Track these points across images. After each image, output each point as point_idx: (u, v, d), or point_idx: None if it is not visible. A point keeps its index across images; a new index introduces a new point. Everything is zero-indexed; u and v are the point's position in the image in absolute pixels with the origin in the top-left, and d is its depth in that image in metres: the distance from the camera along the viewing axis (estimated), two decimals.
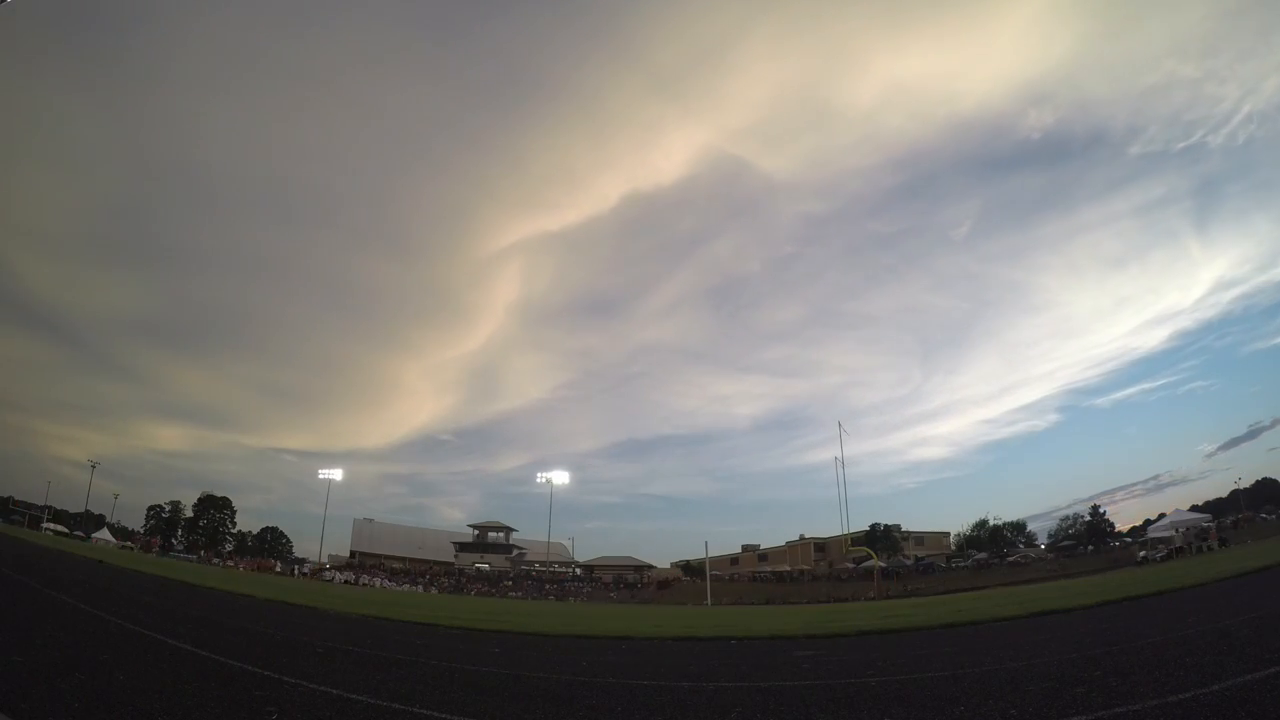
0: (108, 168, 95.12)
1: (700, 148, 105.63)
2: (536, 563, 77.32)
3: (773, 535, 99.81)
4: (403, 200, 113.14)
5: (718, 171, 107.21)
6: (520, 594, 56.54)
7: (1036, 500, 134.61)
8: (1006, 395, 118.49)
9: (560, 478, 68.99)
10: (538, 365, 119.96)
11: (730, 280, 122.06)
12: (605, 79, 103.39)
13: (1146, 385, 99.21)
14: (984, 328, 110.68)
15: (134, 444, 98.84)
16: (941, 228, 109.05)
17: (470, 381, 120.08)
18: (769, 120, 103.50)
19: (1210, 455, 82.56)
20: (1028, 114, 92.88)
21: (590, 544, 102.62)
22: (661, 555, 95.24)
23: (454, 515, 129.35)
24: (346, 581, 52.07)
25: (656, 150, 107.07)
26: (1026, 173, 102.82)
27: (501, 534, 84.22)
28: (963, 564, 54.29)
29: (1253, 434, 77.63)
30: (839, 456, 46.74)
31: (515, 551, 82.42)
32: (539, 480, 68.38)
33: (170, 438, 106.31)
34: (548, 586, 63.78)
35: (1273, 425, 74.66)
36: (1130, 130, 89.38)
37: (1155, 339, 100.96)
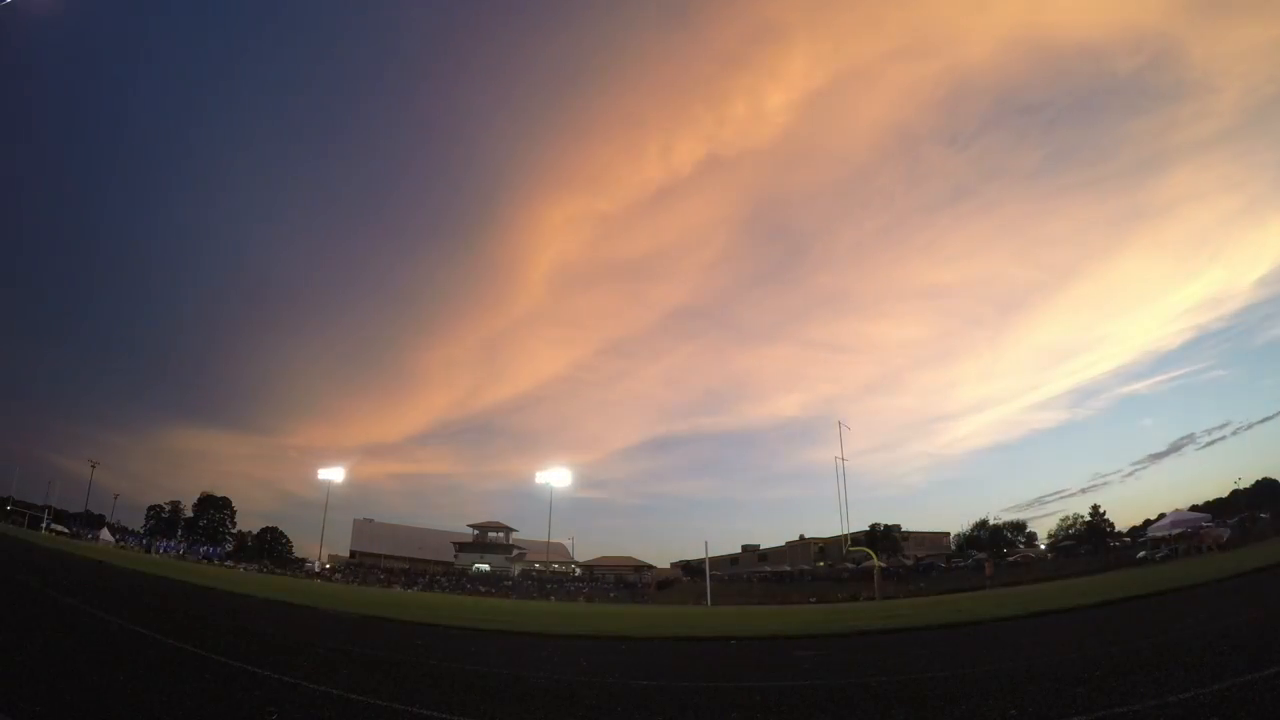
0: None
1: (785, 101, 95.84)
2: (536, 563, 77.40)
3: (773, 535, 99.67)
4: (438, 180, 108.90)
5: (803, 122, 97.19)
6: (520, 594, 56.57)
7: (1038, 498, 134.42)
8: (1041, 390, 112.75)
9: (561, 478, 68.90)
10: (558, 356, 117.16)
11: (782, 245, 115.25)
12: (682, 45, 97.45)
13: (1164, 376, 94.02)
14: (1050, 308, 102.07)
15: (135, 442, 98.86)
16: (1021, 184, 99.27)
17: (484, 375, 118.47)
18: (856, 61, 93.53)
19: (1135, 472, 78.95)
20: (1117, 56, 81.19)
21: (590, 544, 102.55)
22: (661, 555, 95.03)
23: (457, 514, 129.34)
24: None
25: (738, 111, 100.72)
26: (1119, 121, 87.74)
27: (501, 534, 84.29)
28: (962, 564, 54.34)
29: (1175, 448, 75.82)
30: (839, 456, 46.72)
31: (515, 551, 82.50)
32: (538, 481, 68.37)
33: (171, 435, 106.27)
34: (548, 586, 63.82)
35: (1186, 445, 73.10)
36: (1226, 80, 76.77)
37: (1194, 325, 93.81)
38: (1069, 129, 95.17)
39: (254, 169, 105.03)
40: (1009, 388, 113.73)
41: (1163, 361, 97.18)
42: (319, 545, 70.95)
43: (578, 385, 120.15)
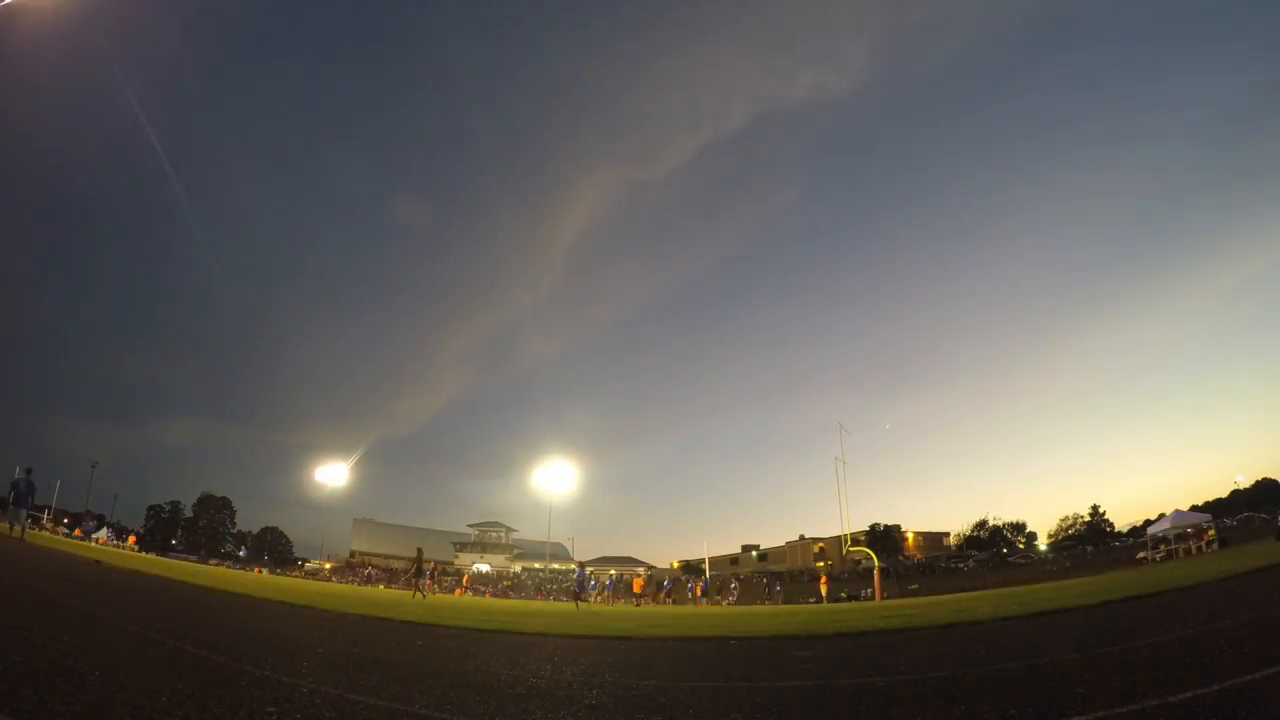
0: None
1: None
2: (536, 563, 77.38)
3: (773, 535, 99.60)
4: (450, 160, 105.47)
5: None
6: (520, 594, 56.50)
7: (1041, 499, 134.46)
8: (1047, 386, 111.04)
9: (560, 476, 68.88)
10: (561, 344, 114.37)
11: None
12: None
13: (1171, 372, 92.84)
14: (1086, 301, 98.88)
15: (136, 440, 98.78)
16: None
17: (488, 368, 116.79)
18: None
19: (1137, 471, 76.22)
20: None
21: (590, 544, 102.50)
22: (662, 555, 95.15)
23: (456, 513, 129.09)
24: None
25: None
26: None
27: (501, 533, 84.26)
28: (962, 564, 54.34)
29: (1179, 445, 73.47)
30: (838, 456, 46.65)
31: (515, 551, 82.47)
32: (537, 480, 68.35)
33: (172, 432, 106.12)
34: (548, 586, 63.74)
35: None
36: None
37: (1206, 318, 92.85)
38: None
39: (260, 165, 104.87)
40: (1015, 383, 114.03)
41: (1171, 356, 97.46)
42: (319, 545, 70.91)
43: (578, 379, 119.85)
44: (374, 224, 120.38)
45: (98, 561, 17.02)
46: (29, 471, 21.26)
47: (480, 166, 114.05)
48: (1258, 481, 61.68)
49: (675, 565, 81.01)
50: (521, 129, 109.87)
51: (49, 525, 41.63)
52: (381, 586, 53.12)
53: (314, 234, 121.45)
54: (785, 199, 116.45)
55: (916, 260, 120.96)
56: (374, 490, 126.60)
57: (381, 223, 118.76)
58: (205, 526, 77.05)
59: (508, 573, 72.59)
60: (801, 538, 75.03)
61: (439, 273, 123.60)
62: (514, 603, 35.25)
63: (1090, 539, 58.65)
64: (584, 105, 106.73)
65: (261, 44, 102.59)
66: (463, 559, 77.82)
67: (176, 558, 49.92)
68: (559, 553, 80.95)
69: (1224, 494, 62.50)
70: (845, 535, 49.04)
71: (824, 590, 40.97)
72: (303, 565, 68.60)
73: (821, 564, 51.69)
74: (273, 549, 78.44)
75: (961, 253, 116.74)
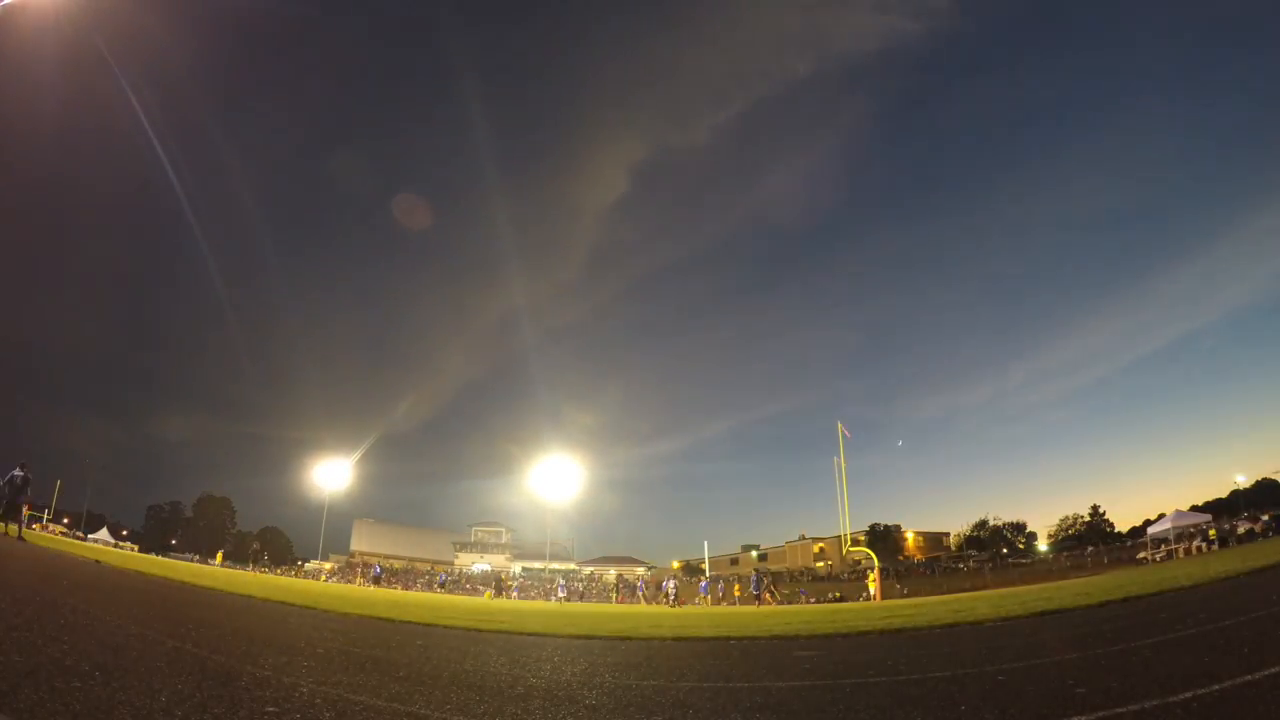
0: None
1: None
2: (536, 562, 77.39)
3: (773, 535, 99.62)
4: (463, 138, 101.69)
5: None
6: (520, 594, 56.52)
7: (1041, 499, 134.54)
8: (1046, 385, 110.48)
9: (560, 476, 68.86)
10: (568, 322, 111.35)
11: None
12: None
13: (1168, 374, 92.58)
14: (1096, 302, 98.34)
15: (136, 439, 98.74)
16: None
17: (490, 364, 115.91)
18: None
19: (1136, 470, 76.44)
20: None
21: (590, 543, 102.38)
22: (662, 555, 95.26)
23: (456, 513, 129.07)
24: None
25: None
26: None
27: (501, 533, 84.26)
28: (962, 564, 54.36)
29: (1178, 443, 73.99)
30: (837, 459, 46.63)
31: (515, 551, 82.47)
32: (536, 479, 68.31)
33: (172, 428, 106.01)
34: (548, 586, 63.79)
35: None
36: None
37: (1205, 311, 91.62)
38: None
39: (262, 153, 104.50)
40: (1015, 382, 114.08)
41: (1172, 357, 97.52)
42: (319, 545, 70.89)
43: (579, 375, 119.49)
44: (380, 211, 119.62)
45: (97, 561, 17.02)
46: None
47: (489, 150, 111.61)
48: (1258, 481, 61.71)
49: (675, 565, 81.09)
50: (541, 101, 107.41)
51: (52, 526, 41.43)
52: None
53: (316, 225, 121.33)
54: (785, 197, 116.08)
55: (918, 256, 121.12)
56: (375, 489, 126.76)
57: (388, 210, 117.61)
58: (205, 527, 77.02)
59: (507, 573, 72.58)
60: (802, 537, 75.09)
61: (447, 261, 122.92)
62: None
63: (1090, 539, 58.70)
64: (611, 70, 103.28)
65: (263, 38, 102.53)
66: (462, 559, 77.84)
67: (179, 558, 49.84)
68: (559, 553, 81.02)
69: (1224, 494, 62.58)
70: (845, 535, 49.02)
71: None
72: (301, 565, 68.48)
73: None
74: (272, 549, 78.41)
75: (963, 249, 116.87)
